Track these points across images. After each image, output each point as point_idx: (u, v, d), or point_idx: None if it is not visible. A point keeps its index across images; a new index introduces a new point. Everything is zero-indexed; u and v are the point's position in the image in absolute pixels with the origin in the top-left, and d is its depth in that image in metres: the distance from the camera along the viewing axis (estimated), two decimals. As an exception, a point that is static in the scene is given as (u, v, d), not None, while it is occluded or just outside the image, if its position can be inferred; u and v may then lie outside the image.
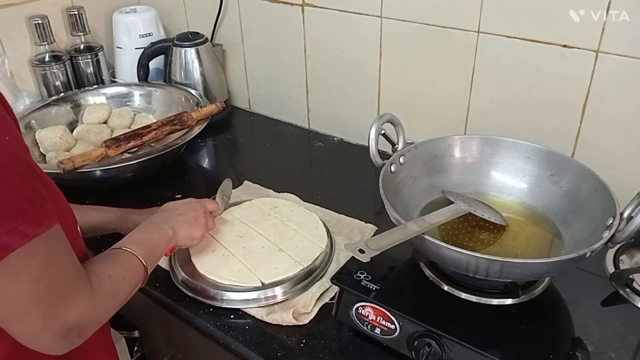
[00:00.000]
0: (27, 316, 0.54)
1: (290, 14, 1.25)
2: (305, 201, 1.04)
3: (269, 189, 1.10)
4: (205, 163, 1.31)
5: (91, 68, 1.42)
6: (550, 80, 0.96)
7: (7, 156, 0.51)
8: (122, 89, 1.35)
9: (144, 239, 0.74)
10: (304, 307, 0.80)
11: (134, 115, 1.29)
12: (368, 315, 0.73)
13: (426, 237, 0.69)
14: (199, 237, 0.83)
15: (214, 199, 0.94)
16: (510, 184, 0.89)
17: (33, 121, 1.20)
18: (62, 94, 1.31)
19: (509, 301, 0.73)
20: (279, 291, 0.82)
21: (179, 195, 1.09)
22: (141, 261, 0.69)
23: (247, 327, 0.79)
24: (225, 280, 0.83)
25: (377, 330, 0.73)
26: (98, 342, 0.72)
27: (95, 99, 1.32)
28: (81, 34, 1.40)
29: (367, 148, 0.85)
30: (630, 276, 0.78)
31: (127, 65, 1.43)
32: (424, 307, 0.73)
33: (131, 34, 1.41)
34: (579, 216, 0.80)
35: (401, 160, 0.86)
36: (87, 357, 0.69)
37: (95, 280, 0.60)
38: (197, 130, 1.14)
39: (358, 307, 0.74)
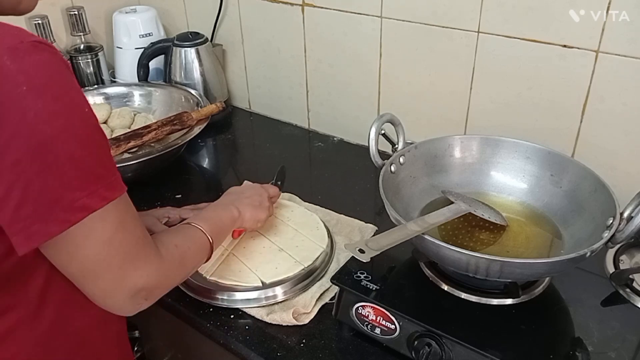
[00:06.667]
0: (100, 276, 0.57)
1: (290, 14, 1.25)
2: (305, 201, 1.04)
3: (269, 189, 1.10)
4: (205, 163, 1.31)
5: (91, 68, 1.42)
6: (550, 80, 0.96)
7: (89, 125, 0.54)
8: (122, 89, 1.35)
9: (211, 216, 0.76)
10: (304, 307, 0.80)
11: (134, 115, 1.29)
12: (368, 315, 0.73)
13: (426, 237, 0.69)
14: (263, 220, 0.86)
15: (273, 184, 0.97)
16: (510, 184, 0.89)
17: (33, 121, 1.20)
18: (62, 94, 1.31)
19: (509, 301, 0.73)
20: (279, 291, 0.82)
21: (179, 196, 1.09)
22: (207, 237, 0.72)
23: (247, 327, 0.79)
24: (226, 280, 0.83)
25: (377, 330, 0.73)
26: (111, 333, 0.73)
27: (95, 99, 1.32)
28: (81, 34, 1.40)
29: (367, 148, 0.85)
30: (630, 276, 0.78)
31: (127, 65, 1.43)
32: (424, 307, 0.73)
33: (131, 34, 1.41)
34: (579, 216, 0.80)
35: (401, 160, 0.86)
36: (98, 346, 0.70)
37: (162, 247, 0.63)
38: (197, 130, 1.14)
39: (358, 307, 0.74)
